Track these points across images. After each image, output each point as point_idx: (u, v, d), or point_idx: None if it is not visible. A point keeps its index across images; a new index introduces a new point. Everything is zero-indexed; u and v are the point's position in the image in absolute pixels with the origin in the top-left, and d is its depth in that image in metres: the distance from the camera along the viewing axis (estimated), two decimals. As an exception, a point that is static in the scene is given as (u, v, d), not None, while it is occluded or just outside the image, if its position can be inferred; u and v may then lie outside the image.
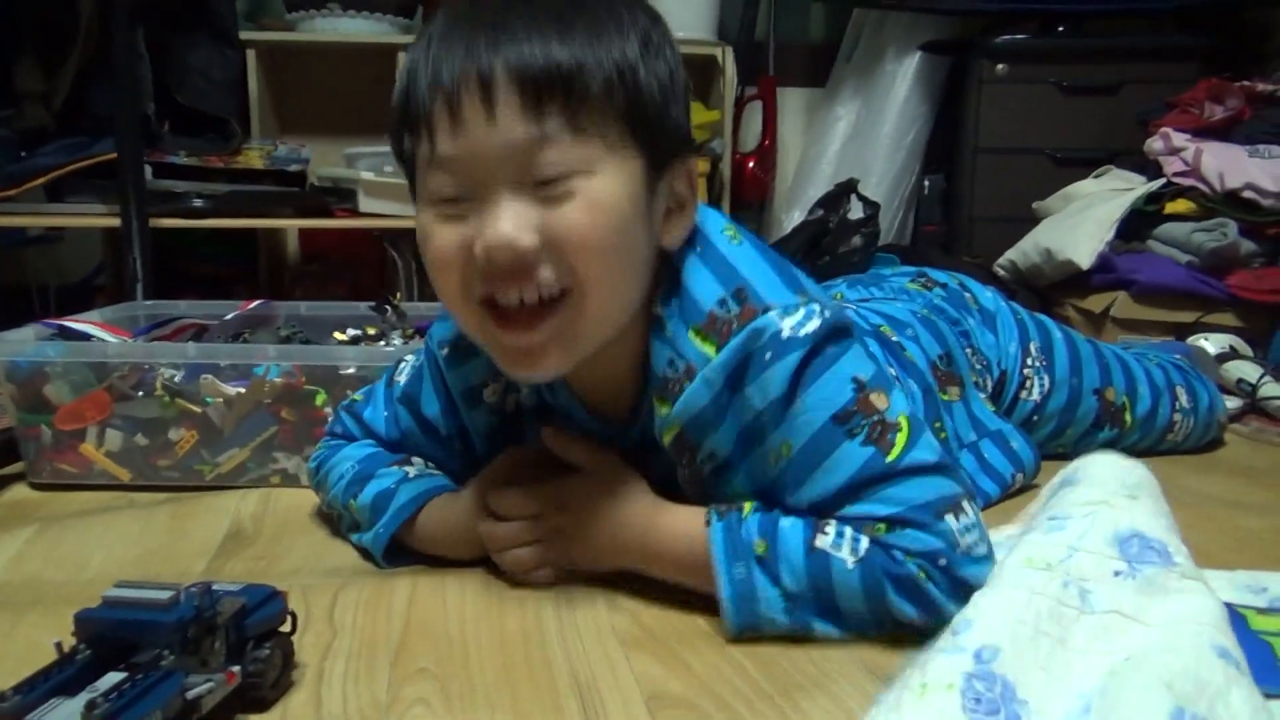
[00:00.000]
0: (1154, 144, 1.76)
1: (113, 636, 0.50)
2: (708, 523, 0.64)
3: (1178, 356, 1.18)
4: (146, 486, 0.96)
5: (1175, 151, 1.70)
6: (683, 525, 0.66)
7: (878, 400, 0.63)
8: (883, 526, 0.60)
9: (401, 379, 0.81)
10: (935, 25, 2.32)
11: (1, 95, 1.60)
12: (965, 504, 0.61)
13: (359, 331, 1.16)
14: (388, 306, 1.20)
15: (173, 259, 2.05)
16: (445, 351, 0.76)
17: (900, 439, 0.62)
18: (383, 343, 1.13)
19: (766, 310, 0.62)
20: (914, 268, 1.11)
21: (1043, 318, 1.07)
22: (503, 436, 0.77)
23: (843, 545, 0.60)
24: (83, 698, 0.46)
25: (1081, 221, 1.73)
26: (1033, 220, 1.93)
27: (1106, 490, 0.61)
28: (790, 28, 2.55)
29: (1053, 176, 2.04)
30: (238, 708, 0.52)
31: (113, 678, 0.48)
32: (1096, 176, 1.92)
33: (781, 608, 0.61)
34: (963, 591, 0.57)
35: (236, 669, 0.51)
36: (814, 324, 0.62)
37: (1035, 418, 1.01)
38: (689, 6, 2.22)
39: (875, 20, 2.41)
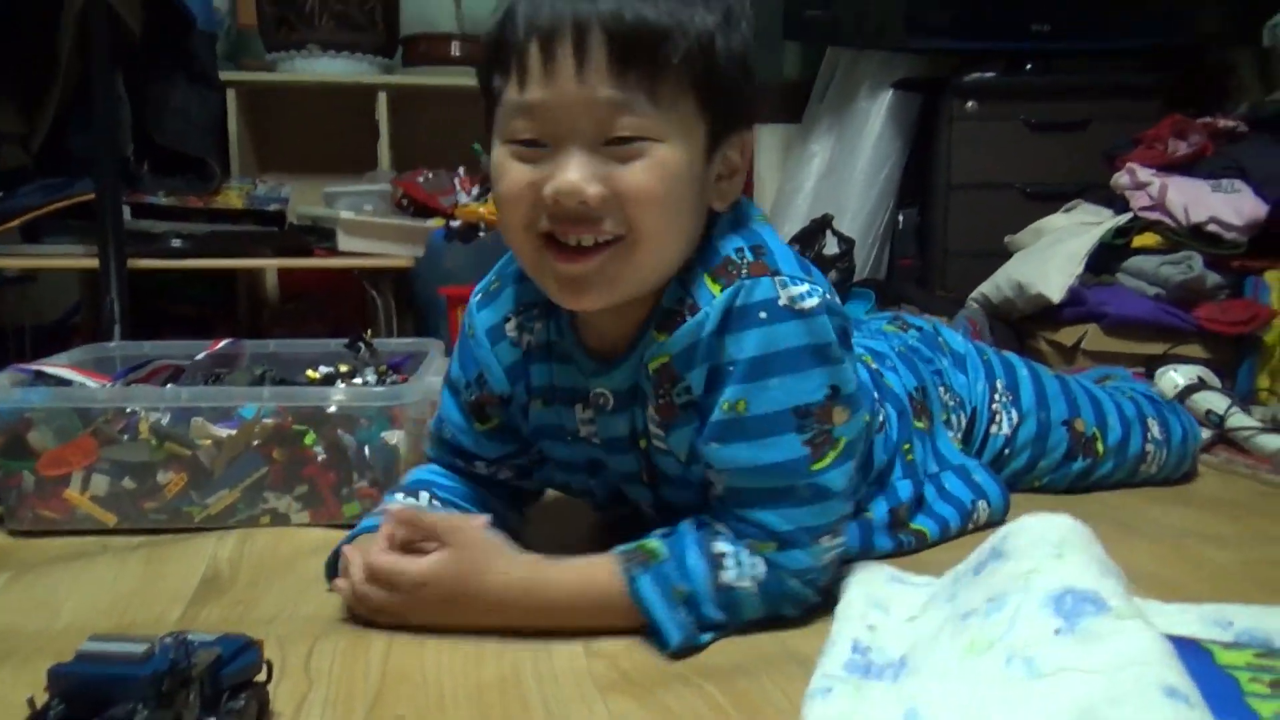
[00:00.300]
0: (1120, 179, 1.79)
1: (86, 691, 0.50)
2: (631, 577, 0.67)
3: (1153, 389, 1.20)
4: (131, 530, 0.95)
5: (1141, 186, 1.74)
6: (583, 577, 0.69)
7: (838, 414, 0.69)
8: (774, 545, 0.68)
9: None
10: (907, 64, 2.37)
11: (-21, 137, 1.60)
12: (840, 527, 0.72)
13: (331, 369, 1.17)
14: (360, 343, 1.21)
15: (151, 298, 2.05)
16: (479, 297, 0.81)
17: (830, 455, 0.69)
18: (357, 379, 1.13)
19: (775, 273, 0.68)
20: (890, 312, 1.14)
21: (1009, 356, 1.10)
22: (519, 373, 0.80)
23: (744, 575, 0.68)
24: None
25: (1052, 255, 1.76)
26: (1005, 254, 1.96)
27: (1035, 557, 0.63)
28: (765, 66, 2.59)
29: (1024, 211, 2.07)
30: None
31: None
32: (1066, 211, 1.95)
33: (711, 636, 0.68)
34: (825, 592, 0.72)
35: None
36: (813, 301, 0.67)
37: (1007, 451, 1.03)
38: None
39: (849, 59, 2.45)
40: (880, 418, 0.87)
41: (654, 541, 0.70)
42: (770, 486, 0.69)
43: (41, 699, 0.51)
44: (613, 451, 0.80)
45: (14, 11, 1.52)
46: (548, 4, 0.63)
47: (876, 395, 0.88)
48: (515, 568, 0.69)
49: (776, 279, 0.67)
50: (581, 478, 0.85)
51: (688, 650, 0.67)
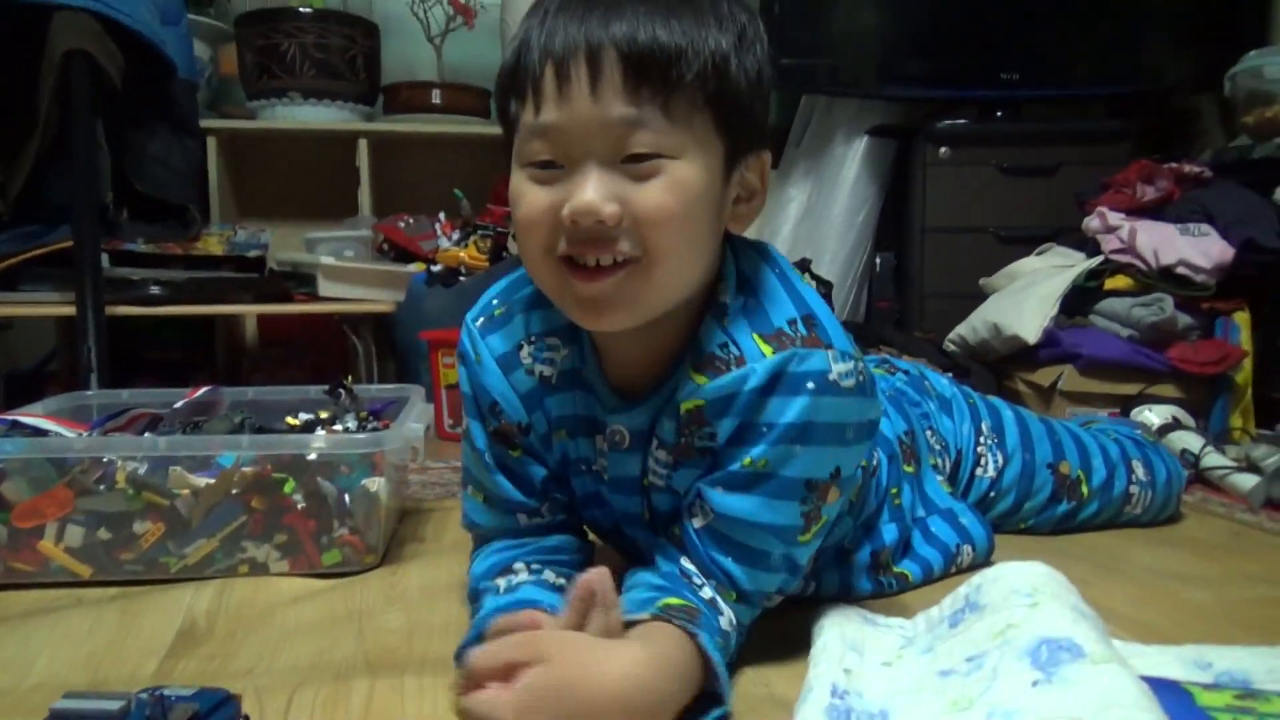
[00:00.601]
0: (1091, 223, 1.83)
1: None
2: (692, 634, 0.63)
3: (1138, 431, 1.21)
4: (106, 582, 0.93)
5: (1111, 230, 1.78)
6: (667, 644, 0.63)
7: (832, 494, 0.70)
8: (734, 596, 0.70)
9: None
10: (881, 111, 2.42)
11: (-43, 185, 1.60)
12: (787, 589, 0.74)
13: (311, 416, 1.16)
14: (341, 390, 1.20)
15: (129, 344, 2.04)
16: (480, 322, 0.79)
17: (814, 529, 0.71)
18: (338, 426, 1.13)
19: (829, 346, 0.68)
20: (876, 356, 1.14)
21: (995, 400, 1.11)
22: (534, 402, 0.78)
23: (729, 623, 0.68)
24: None
25: (1026, 298, 1.79)
26: (980, 296, 1.99)
27: (1009, 611, 0.64)
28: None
29: (997, 254, 2.11)
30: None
31: None
32: (1039, 254, 1.99)
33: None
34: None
35: None
36: (852, 383, 0.68)
37: (993, 493, 1.04)
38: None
39: (823, 106, 2.50)
40: (874, 463, 0.88)
41: (673, 598, 0.66)
42: (752, 546, 0.69)
43: None
44: (617, 490, 0.79)
45: (-5, 60, 1.53)
46: (561, 29, 0.64)
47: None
48: (624, 657, 0.60)
49: (830, 352, 0.68)
50: (591, 510, 0.84)
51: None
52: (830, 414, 0.67)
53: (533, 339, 0.77)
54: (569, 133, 0.63)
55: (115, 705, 0.50)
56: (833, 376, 0.67)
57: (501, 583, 0.74)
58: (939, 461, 1.00)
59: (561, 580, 0.75)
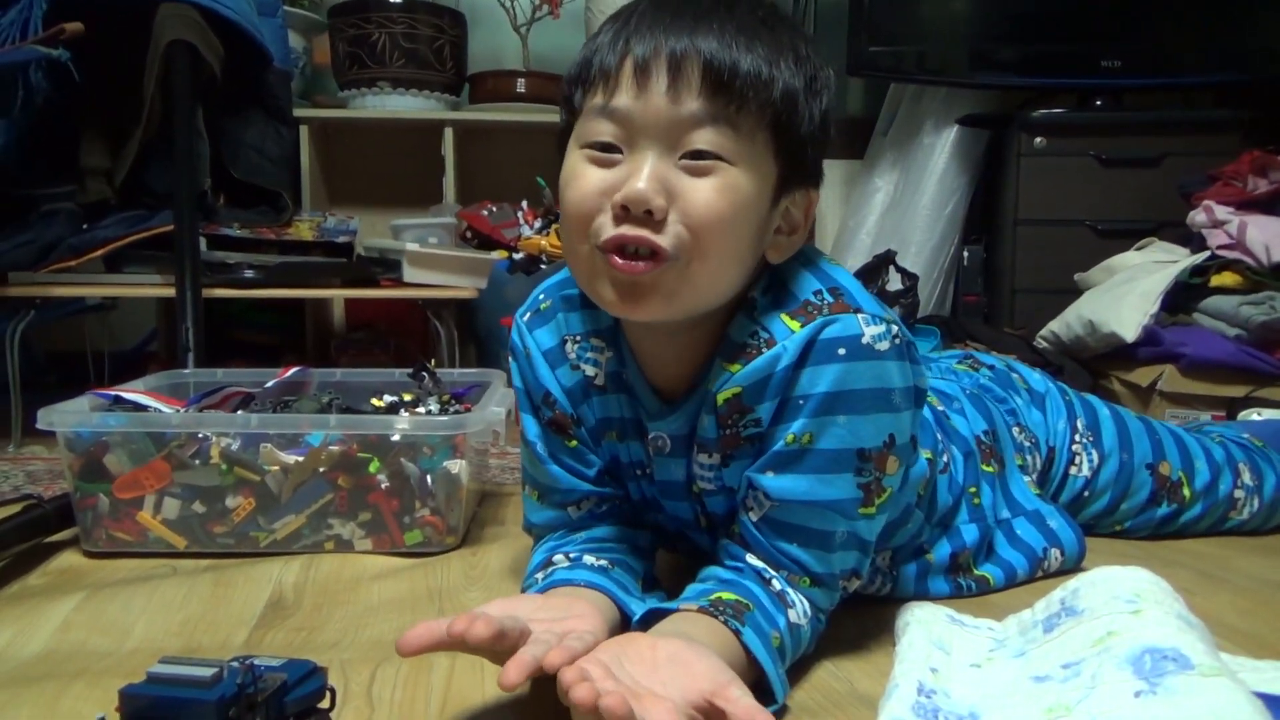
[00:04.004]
0: (1197, 217, 1.75)
1: (155, 713, 0.51)
2: (736, 629, 0.63)
3: (1245, 436, 1.15)
4: (199, 554, 0.97)
5: (1219, 224, 1.69)
6: (703, 644, 0.61)
7: (890, 463, 0.69)
8: (808, 581, 0.69)
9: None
10: (972, 99, 2.35)
11: (67, 172, 1.67)
12: (862, 571, 0.72)
13: (396, 398, 1.18)
14: (424, 373, 1.22)
15: (223, 326, 2.11)
16: (527, 317, 0.80)
17: (877, 502, 0.69)
18: (421, 409, 1.14)
19: (857, 310, 0.67)
20: (960, 350, 1.11)
21: (1090, 397, 1.07)
22: (578, 399, 0.78)
23: (802, 615, 0.68)
24: None
25: (1126, 294, 1.71)
26: (1075, 292, 1.91)
27: (1110, 618, 0.61)
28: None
29: (1094, 248, 2.03)
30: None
31: None
32: (1139, 248, 1.91)
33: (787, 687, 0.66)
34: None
35: None
36: (886, 344, 0.67)
37: (1086, 493, 1.01)
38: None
39: (912, 95, 2.44)
40: (944, 459, 0.85)
41: (728, 592, 0.67)
42: (813, 528, 0.68)
43: (113, 718, 0.51)
44: (667, 495, 0.78)
45: (104, 52, 1.58)
46: (647, 32, 0.65)
47: (940, 436, 0.86)
48: (658, 645, 0.60)
49: (860, 316, 0.67)
50: (653, 515, 0.83)
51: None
52: (868, 379, 0.66)
53: (577, 338, 0.78)
54: (638, 118, 0.64)
55: (208, 673, 0.52)
56: (865, 340, 0.66)
57: (540, 576, 0.75)
58: (1027, 460, 0.97)
59: (604, 562, 0.75)
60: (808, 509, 0.68)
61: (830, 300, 0.68)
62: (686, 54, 0.63)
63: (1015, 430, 0.97)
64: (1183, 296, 1.70)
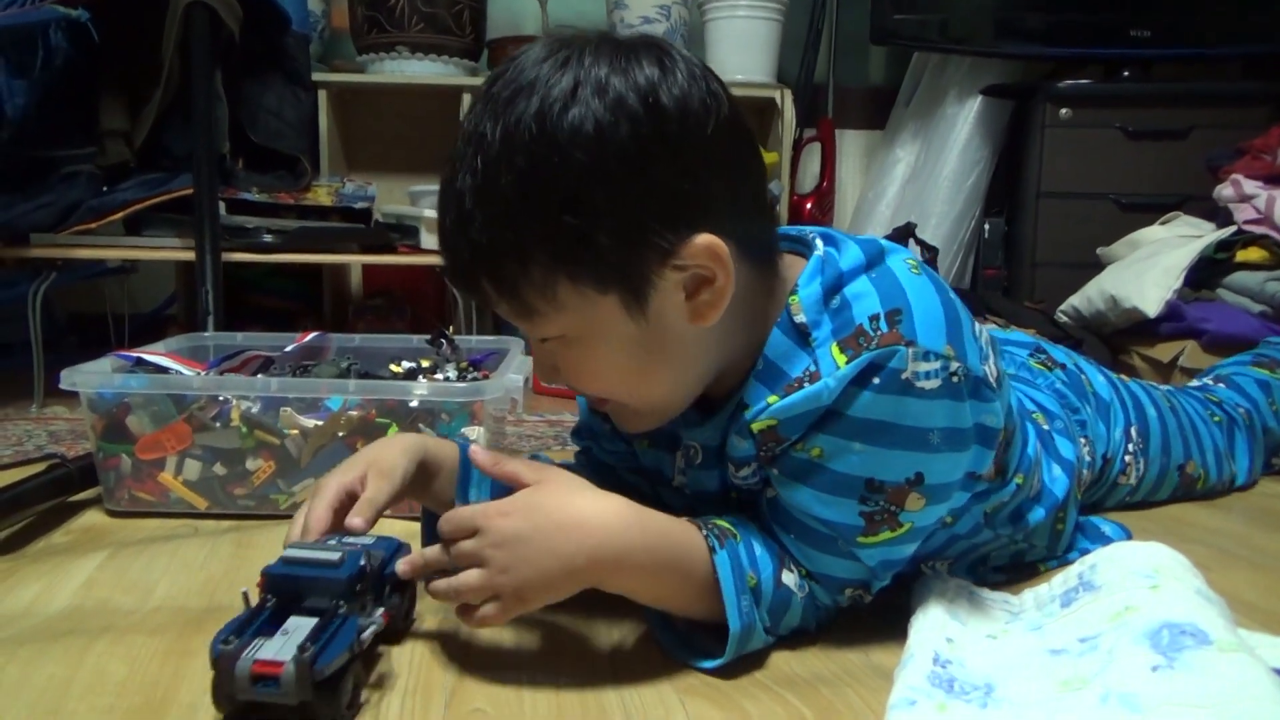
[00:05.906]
0: (1224, 191, 1.72)
1: (290, 588, 0.60)
2: (711, 548, 0.63)
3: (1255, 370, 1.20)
4: (220, 515, 0.98)
5: (1246, 199, 1.67)
6: (670, 529, 0.64)
7: (913, 500, 0.64)
8: (803, 572, 0.68)
9: None
10: (996, 69, 2.32)
11: (87, 134, 1.67)
12: (871, 588, 0.69)
13: (414, 364, 1.18)
14: (443, 340, 1.22)
15: (240, 291, 2.12)
16: None
17: (885, 535, 0.65)
18: (439, 375, 1.15)
19: (910, 343, 0.62)
20: (1031, 339, 1.06)
21: (1134, 387, 1.05)
22: None
23: (795, 584, 0.67)
24: (285, 640, 0.55)
25: (1149, 268, 1.70)
26: (1097, 266, 1.90)
27: (1128, 593, 0.61)
28: (850, 71, 2.56)
29: (1118, 222, 2.01)
30: (380, 641, 0.65)
31: (298, 621, 0.57)
32: (1164, 223, 1.88)
33: (761, 639, 0.65)
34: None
35: (381, 610, 0.63)
36: (934, 383, 0.62)
37: (1128, 498, 1.03)
38: (748, 51, 2.24)
39: (935, 64, 2.41)
40: (1035, 481, 0.79)
41: (724, 521, 0.67)
42: (811, 528, 0.66)
43: (254, 594, 0.60)
44: (702, 504, 0.75)
45: (123, 13, 1.58)
46: (443, 250, 0.65)
47: (1043, 454, 0.81)
48: (609, 500, 0.62)
49: (911, 349, 0.62)
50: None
51: (734, 658, 0.63)
52: (898, 414, 0.62)
53: None
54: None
55: (335, 555, 0.61)
56: (906, 375, 0.61)
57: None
58: (1084, 473, 0.93)
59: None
60: (805, 518, 0.66)
61: (884, 330, 0.62)
62: (467, 273, 0.63)
63: (1082, 442, 0.93)
64: (1207, 272, 1.69)
